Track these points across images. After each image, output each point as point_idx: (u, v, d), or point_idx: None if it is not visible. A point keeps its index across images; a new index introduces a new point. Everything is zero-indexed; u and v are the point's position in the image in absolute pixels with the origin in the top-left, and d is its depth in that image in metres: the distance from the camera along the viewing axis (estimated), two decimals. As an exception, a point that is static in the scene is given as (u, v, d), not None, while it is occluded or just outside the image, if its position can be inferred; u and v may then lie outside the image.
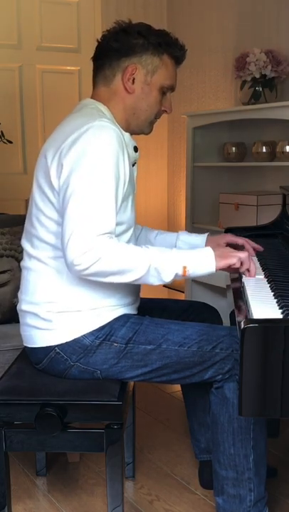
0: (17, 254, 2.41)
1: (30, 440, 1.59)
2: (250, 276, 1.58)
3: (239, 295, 1.47)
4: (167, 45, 1.65)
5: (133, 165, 1.68)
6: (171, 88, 1.71)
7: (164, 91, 1.69)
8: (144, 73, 1.64)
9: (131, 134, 1.71)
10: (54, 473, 2.13)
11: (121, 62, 1.64)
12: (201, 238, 1.88)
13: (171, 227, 3.90)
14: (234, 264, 1.55)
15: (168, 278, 1.52)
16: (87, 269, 1.45)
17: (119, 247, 1.48)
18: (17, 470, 2.13)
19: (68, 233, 1.45)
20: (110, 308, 1.63)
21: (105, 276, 1.48)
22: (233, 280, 1.64)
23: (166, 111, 1.73)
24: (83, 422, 1.62)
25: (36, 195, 1.61)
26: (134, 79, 1.64)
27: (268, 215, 2.57)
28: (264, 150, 2.88)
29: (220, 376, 1.60)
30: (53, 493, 2.01)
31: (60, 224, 1.53)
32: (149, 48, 1.63)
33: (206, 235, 1.89)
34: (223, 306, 3.04)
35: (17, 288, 2.35)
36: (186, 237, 1.89)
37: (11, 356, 2.11)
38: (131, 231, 1.68)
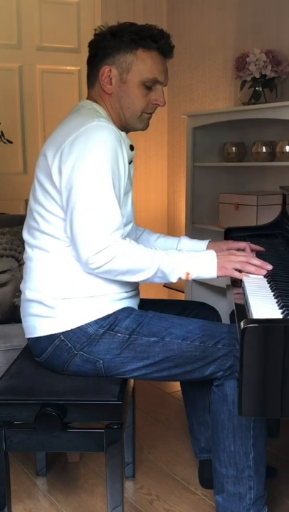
0: (17, 254, 2.41)
1: (30, 440, 1.59)
2: (258, 274, 1.60)
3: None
4: (141, 40, 1.65)
5: (129, 163, 1.70)
6: (156, 81, 1.69)
7: (148, 85, 1.68)
8: (119, 72, 1.67)
9: (127, 131, 1.74)
10: (54, 473, 2.13)
11: (98, 66, 1.69)
12: (202, 244, 1.90)
13: (171, 227, 3.90)
14: (234, 275, 1.62)
15: (173, 280, 1.61)
16: (100, 267, 1.53)
17: (132, 248, 1.55)
18: (17, 470, 2.13)
19: (81, 233, 1.52)
20: (114, 297, 1.66)
21: (116, 275, 1.57)
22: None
23: (158, 104, 1.73)
24: (83, 422, 1.63)
25: (38, 192, 1.65)
26: (111, 79, 1.67)
27: (268, 215, 2.57)
28: (264, 150, 2.88)
29: (221, 373, 1.61)
30: (53, 493, 2.01)
31: (64, 219, 1.59)
32: (121, 46, 1.65)
33: (208, 241, 1.90)
34: (223, 306, 3.04)
35: (17, 288, 2.36)
36: (187, 242, 1.91)
37: (11, 356, 2.11)
38: (130, 225, 1.74)
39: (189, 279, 1.61)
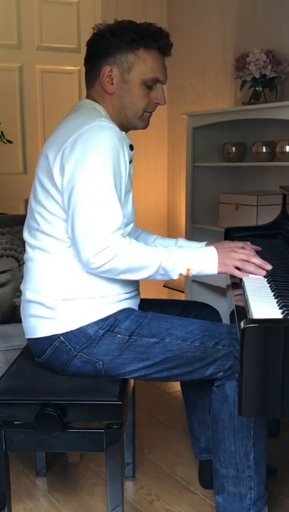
0: (17, 254, 2.41)
1: (30, 440, 1.59)
2: (258, 274, 1.60)
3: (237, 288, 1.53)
4: (142, 39, 1.64)
5: (129, 162, 1.70)
6: (157, 80, 1.69)
7: (149, 84, 1.68)
8: (120, 72, 1.66)
9: (127, 131, 1.74)
10: (54, 473, 2.13)
11: (98, 66, 1.67)
12: (199, 246, 1.88)
13: (171, 227, 3.90)
14: (234, 273, 1.62)
15: (175, 277, 1.61)
16: (101, 266, 1.52)
17: (132, 247, 1.54)
18: (17, 470, 2.13)
19: (82, 233, 1.51)
20: (114, 299, 1.66)
21: (117, 274, 1.56)
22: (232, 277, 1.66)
23: (159, 103, 1.72)
24: (83, 421, 1.63)
25: (39, 193, 1.64)
26: (112, 79, 1.66)
27: (268, 215, 2.57)
28: (264, 150, 2.88)
29: (221, 373, 1.60)
30: (53, 493, 2.01)
31: (66, 220, 1.59)
32: (122, 46, 1.64)
33: (204, 244, 1.89)
34: (223, 306, 3.04)
35: (17, 288, 2.36)
36: (184, 244, 1.90)
37: (11, 356, 2.11)
38: (131, 226, 1.73)
39: (190, 275, 1.61)
